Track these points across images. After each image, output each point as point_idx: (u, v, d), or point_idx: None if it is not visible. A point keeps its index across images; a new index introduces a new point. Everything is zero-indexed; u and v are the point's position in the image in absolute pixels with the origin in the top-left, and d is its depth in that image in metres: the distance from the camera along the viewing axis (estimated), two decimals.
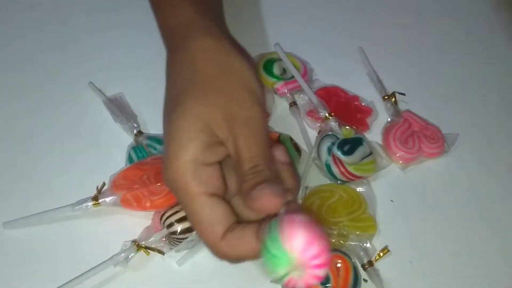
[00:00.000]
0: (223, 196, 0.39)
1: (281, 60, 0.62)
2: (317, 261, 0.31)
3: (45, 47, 0.65)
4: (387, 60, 0.67)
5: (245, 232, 0.37)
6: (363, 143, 0.56)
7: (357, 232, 0.52)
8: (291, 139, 0.58)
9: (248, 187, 0.37)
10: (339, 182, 0.56)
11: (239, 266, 0.50)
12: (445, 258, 0.53)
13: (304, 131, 0.60)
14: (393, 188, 0.57)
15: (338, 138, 0.56)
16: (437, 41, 0.71)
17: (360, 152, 0.55)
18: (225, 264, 0.50)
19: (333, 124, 0.57)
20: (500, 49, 0.70)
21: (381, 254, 0.51)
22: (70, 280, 0.47)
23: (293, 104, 0.61)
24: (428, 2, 0.75)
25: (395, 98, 0.62)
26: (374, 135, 0.60)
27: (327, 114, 0.58)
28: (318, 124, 0.59)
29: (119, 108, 0.58)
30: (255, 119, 0.39)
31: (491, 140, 0.62)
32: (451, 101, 0.65)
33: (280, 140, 0.57)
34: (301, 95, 0.62)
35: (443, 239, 0.54)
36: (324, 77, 0.64)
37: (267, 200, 0.36)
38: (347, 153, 0.54)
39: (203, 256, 0.51)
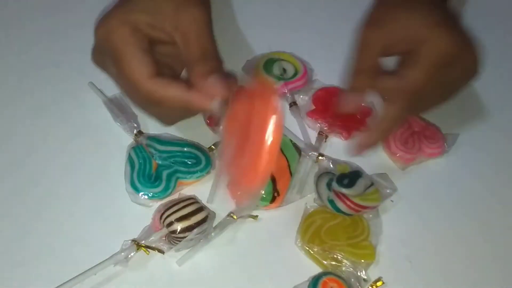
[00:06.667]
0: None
1: (281, 60, 0.62)
2: None
3: (45, 47, 0.65)
4: (387, 60, 0.67)
5: (177, 81, 0.44)
6: (362, 176, 0.54)
7: (352, 259, 0.50)
8: (291, 139, 0.58)
9: (200, 71, 0.44)
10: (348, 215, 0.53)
11: (239, 266, 0.51)
12: (445, 258, 0.53)
13: (304, 131, 0.60)
14: None
15: (335, 175, 0.54)
16: None
17: (361, 183, 0.53)
18: (225, 265, 0.51)
19: (325, 163, 0.56)
20: (500, 49, 0.70)
21: (374, 287, 0.49)
22: (70, 279, 0.47)
23: (293, 104, 0.61)
24: None
25: None
26: None
27: (317, 155, 0.56)
28: (318, 124, 0.59)
29: (119, 108, 0.58)
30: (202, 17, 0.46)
31: (491, 140, 0.62)
32: (451, 101, 0.65)
33: None
34: (301, 95, 0.62)
35: (443, 239, 0.54)
36: (324, 77, 0.64)
37: (217, 88, 0.43)
38: (348, 185, 0.52)
39: (203, 256, 0.51)
